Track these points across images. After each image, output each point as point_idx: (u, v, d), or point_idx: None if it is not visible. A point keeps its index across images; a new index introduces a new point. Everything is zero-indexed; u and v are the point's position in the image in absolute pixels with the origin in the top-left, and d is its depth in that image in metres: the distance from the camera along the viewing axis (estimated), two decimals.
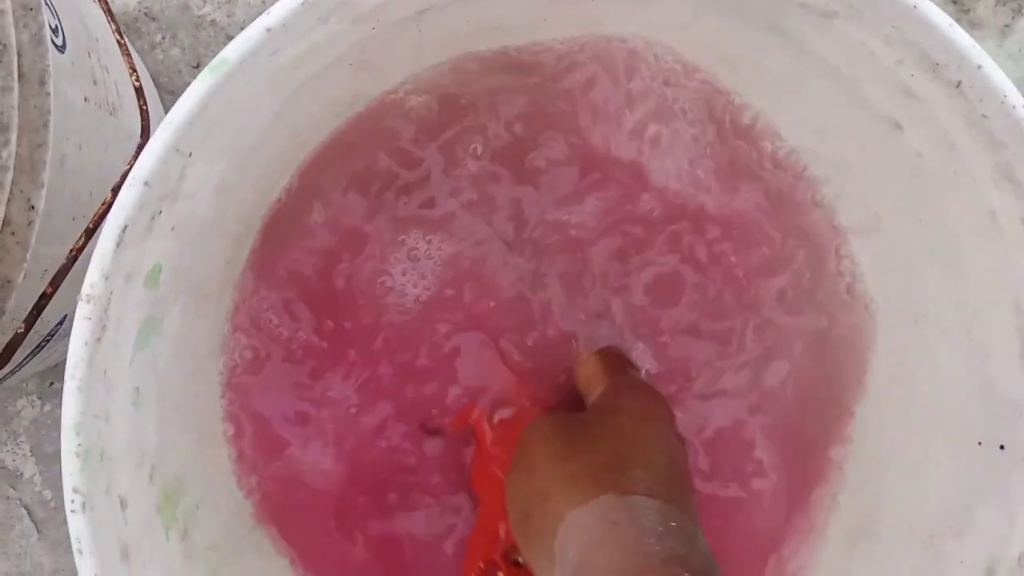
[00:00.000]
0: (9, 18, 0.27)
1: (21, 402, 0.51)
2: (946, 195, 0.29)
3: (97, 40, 0.39)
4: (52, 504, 0.50)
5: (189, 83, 0.23)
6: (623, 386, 0.33)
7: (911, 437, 0.33)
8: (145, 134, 0.40)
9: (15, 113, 0.25)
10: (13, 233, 0.27)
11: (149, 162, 0.22)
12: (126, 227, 0.22)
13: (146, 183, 0.22)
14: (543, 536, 0.28)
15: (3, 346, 0.28)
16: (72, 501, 0.23)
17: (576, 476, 0.28)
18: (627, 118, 0.35)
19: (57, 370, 0.52)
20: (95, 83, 0.36)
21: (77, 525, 0.23)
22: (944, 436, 0.32)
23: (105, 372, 0.24)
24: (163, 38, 0.52)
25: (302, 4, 0.24)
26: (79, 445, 0.23)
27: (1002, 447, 0.29)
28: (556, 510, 0.27)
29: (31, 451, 0.51)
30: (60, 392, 0.24)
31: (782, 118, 0.35)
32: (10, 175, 0.25)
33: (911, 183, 0.31)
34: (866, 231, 0.35)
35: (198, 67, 0.53)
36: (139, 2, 0.53)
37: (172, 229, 0.25)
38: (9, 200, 0.26)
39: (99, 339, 0.23)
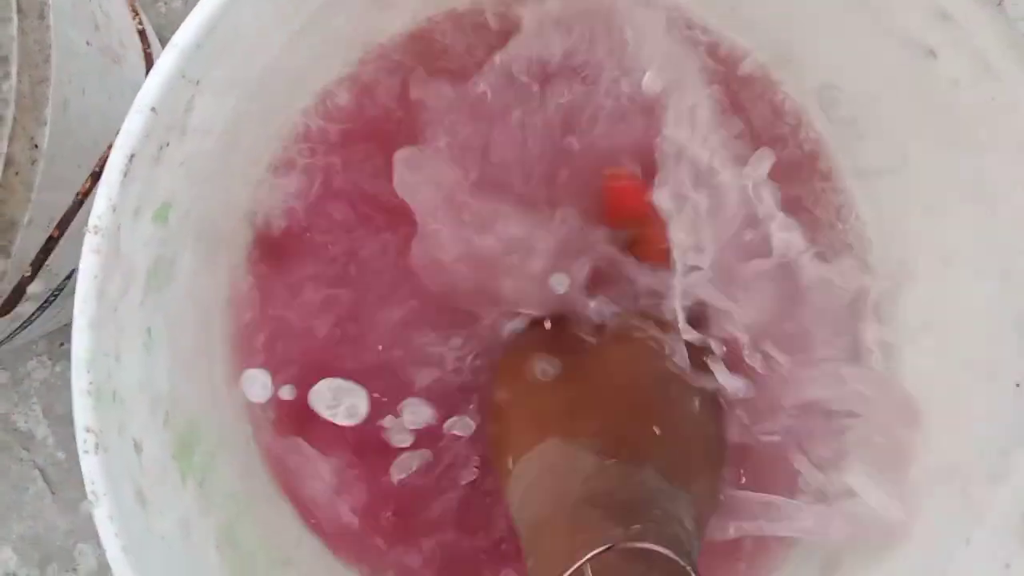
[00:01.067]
0: None
1: (32, 363, 0.50)
2: (982, 125, 0.28)
3: None
4: (66, 465, 0.50)
5: None
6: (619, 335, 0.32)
7: (944, 382, 0.32)
8: None
9: (15, 45, 0.24)
10: (17, 173, 0.26)
11: (155, 86, 0.21)
12: (133, 156, 0.21)
13: (153, 109, 0.21)
14: (502, 476, 0.29)
15: (10, 291, 0.28)
16: (85, 441, 0.22)
17: (530, 419, 0.29)
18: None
19: (67, 330, 0.51)
20: (97, 28, 0.35)
21: (90, 466, 0.22)
22: (979, 379, 0.31)
23: (115, 309, 0.23)
24: None
25: None
26: (90, 383, 0.22)
27: None
28: (513, 453, 0.28)
29: (43, 413, 0.50)
30: (71, 353, 0.23)
31: (797, 53, 0.33)
32: (11, 109, 0.24)
33: (943, 115, 0.29)
34: (891, 170, 0.34)
35: None
36: None
37: (181, 164, 0.25)
38: (11, 138, 0.26)
39: (108, 275, 0.22)
